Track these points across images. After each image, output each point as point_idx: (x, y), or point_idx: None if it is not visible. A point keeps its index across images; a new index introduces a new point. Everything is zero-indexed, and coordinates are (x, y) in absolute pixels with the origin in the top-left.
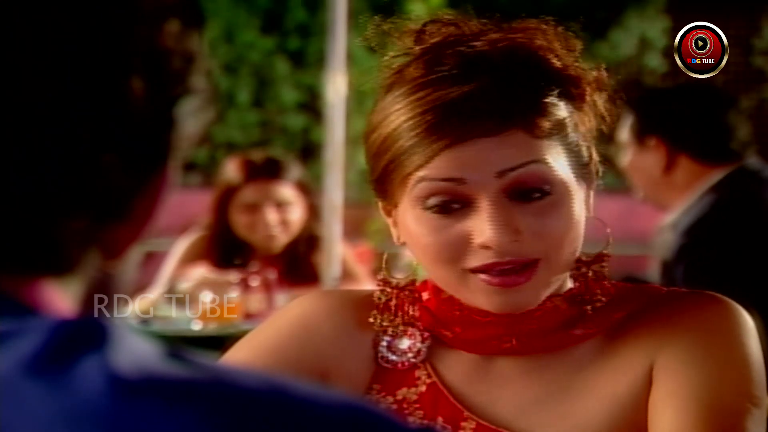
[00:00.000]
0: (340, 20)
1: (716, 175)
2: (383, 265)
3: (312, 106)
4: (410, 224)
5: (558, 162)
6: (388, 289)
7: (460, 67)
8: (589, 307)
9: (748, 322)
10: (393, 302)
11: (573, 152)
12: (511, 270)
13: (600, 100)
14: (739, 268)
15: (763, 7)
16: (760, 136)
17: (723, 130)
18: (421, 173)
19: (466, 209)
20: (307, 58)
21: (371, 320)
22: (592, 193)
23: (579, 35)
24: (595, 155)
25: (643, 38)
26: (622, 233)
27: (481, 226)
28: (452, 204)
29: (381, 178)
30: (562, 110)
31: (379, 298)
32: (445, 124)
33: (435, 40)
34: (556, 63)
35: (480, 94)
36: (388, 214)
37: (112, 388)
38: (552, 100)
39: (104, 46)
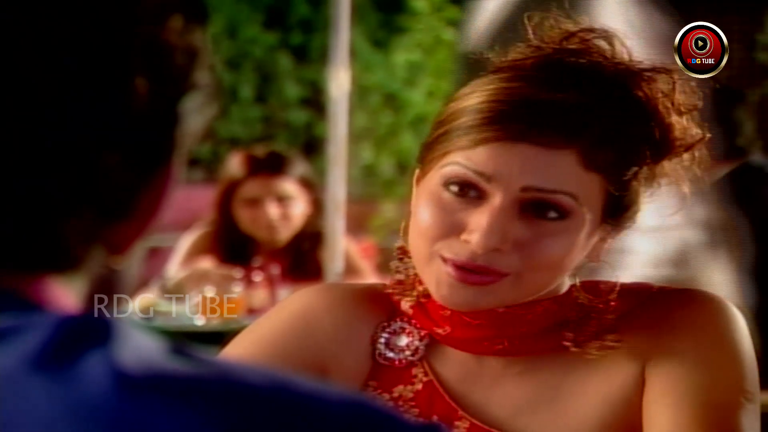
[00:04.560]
0: (343, 15)
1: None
2: (401, 234)
3: (315, 101)
4: (423, 196)
5: (590, 199)
6: (407, 258)
7: (567, 77)
8: (595, 350)
9: (738, 318)
10: (411, 272)
11: (614, 196)
12: (475, 272)
13: (687, 161)
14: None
15: (766, 3)
16: (763, 131)
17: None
18: (458, 158)
19: (480, 201)
20: (310, 54)
21: (389, 291)
22: (610, 242)
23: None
24: (639, 207)
25: None
26: None
27: (477, 224)
28: (470, 191)
29: (430, 144)
30: (631, 151)
31: (398, 267)
32: (507, 119)
33: (574, 46)
34: (660, 110)
35: (560, 105)
36: (417, 182)
37: (116, 384)
38: (628, 137)
39: (107, 43)
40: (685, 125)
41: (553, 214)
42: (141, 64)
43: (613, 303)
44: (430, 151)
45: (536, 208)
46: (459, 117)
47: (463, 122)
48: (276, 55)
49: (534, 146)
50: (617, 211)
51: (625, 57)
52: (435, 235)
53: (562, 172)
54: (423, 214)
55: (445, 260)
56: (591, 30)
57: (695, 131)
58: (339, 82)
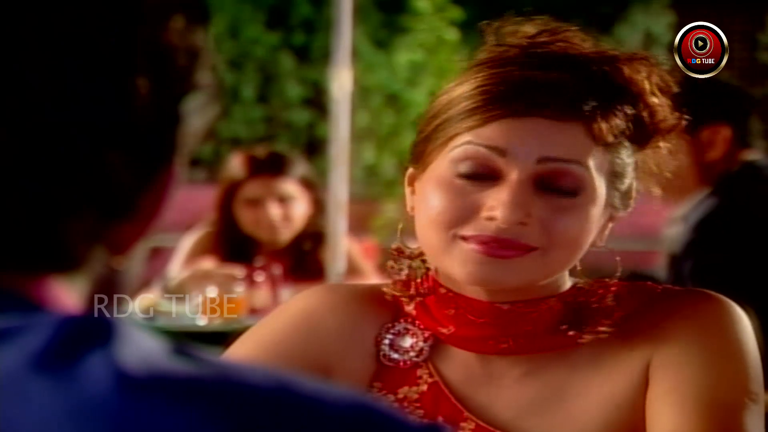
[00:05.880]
0: (346, 16)
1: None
2: (398, 235)
3: (317, 101)
4: (431, 186)
5: (599, 173)
6: (402, 260)
7: (554, 60)
8: (587, 337)
9: (743, 318)
10: (405, 272)
11: (616, 176)
12: (502, 246)
13: (665, 148)
14: (746, 266)
15: (767, 3)
16: (766, 131)
17: (735, 126)
18: (468, 137)
19: (492, 182)
20: (312, 54)
21: (385, 290)
22: (610, 225)
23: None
24: (634, 193)
25: (648, 33)
26: (628, 228)
27: (498, 200)
28: (482, 174)
29: (425, 138)
30: (625, 130)
31: (392, 267)
32: (512, 97)
33: (544, 39)
34: (645, 93)
35: (558, 82)
36: (411, 182)
37: (118, 384)
38: (622, 116)
39: (109, 44)
40: (666, 108)
41: (567, 188)
42: (143, 65)
43: (613, 288)
44: (427, 143)
45: (550, 183)
46: (455, 104)
47: (462, 107)
48: (278, 55)
49: (543, 119)
50: (617, 192)
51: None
52: (451, 219)
53: (574, 142)
54: (434, 202)
55: (467, 239)
56: (554, 30)
57: (675, 115)
58: (341, 82)
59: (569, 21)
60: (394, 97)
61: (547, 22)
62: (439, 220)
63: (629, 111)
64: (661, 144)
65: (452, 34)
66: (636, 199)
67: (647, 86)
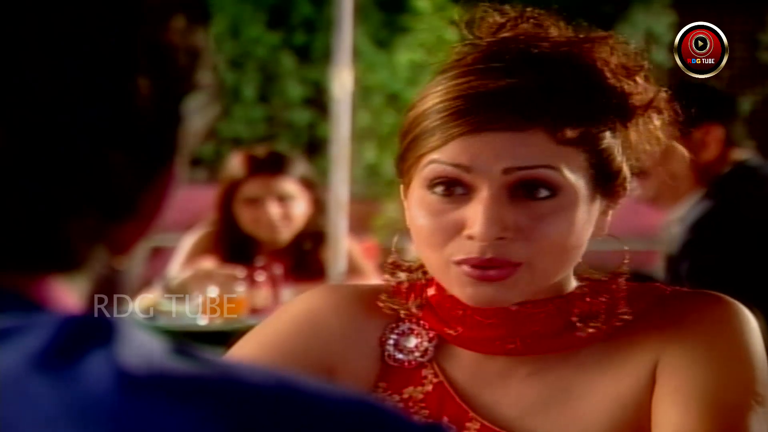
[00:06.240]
0: (346, 15)
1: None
2: (393, 248)
3: (318, 101)
4: (414, 205)
5: (574, 172)
6: (399, 273)
7: (512, 63)
8: (591, 331)
9: (751, 321)
10: (404, 285)
11: (598, 166)
12: (490, 266)
13: (657, 121)
14: (742, 266)
15: (767, 3)
16: (765, 131)
17: (726, 126)
18: (433, 156)
19: (468, 196)
20: (313, 54)
21: (381, 304)
22: (611, 213)
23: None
24: (626, 174)
25: (649, 33)
26: (628, 228)
27: (474, 217)
28: (456, 189)
29: (402, 155)
30: (597, 122)
31: (388, 281)
32: (469, 112)
33: (507, 34)
34: (609, 77)
35: (514, 90)
36: (405, 196)
37: (118, 383)
38: (588, 110)
39: (110, 43)
40: (638, 85)
41: (543, 193)
42: (144, 65)
43: (623, 287)
44: (404, 161)
45: (525, 190)
46: (421, 122)
47: (426, 125)
48: (279, 54)
49: (503, 132)
50: (607, 182)
51: (558, 34)
52: (438, 240)
53: (537, 149)
54: (419, 222)
55: (459, 263)
56: (519, 17)
57: (651, 89)
58: (342, 81)
59: (570, 21)
60: (394, 96)
61: (509, 10)
62: (429, 243)
63: (595, 99)
64: (654, 116)
65: (452, 34)
66: (633, 188)
67: (611, 68)
